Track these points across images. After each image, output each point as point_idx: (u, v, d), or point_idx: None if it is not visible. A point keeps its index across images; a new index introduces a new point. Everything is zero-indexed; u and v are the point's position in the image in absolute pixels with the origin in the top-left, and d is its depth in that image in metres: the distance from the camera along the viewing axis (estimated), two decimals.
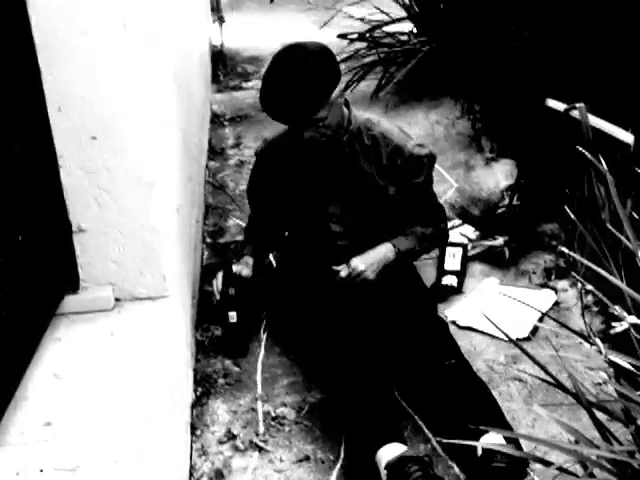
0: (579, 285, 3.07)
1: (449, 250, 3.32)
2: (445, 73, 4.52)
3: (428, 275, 3.22)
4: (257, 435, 2.55)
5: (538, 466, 2.32)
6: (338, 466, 2.43)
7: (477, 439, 2.30)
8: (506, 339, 2.82)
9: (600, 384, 2.62)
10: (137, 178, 2.30)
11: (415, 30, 4.88)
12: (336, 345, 2.60)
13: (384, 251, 2.85)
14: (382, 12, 5.01)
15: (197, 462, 2.45)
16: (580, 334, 2.24)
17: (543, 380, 2.08)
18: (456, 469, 2.40)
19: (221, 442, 2.53)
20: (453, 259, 3.30)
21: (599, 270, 1.98)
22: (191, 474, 2.40)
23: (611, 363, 2.46)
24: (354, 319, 2.72)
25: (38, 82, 2.15)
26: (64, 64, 2.14)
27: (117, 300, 2.40)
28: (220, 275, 2.86)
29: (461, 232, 3.50)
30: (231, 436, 2.54)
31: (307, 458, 2.46)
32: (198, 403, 2.67)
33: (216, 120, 4.67)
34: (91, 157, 2.24)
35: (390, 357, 2.67)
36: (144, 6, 2.37)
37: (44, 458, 1.90)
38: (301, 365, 2.82)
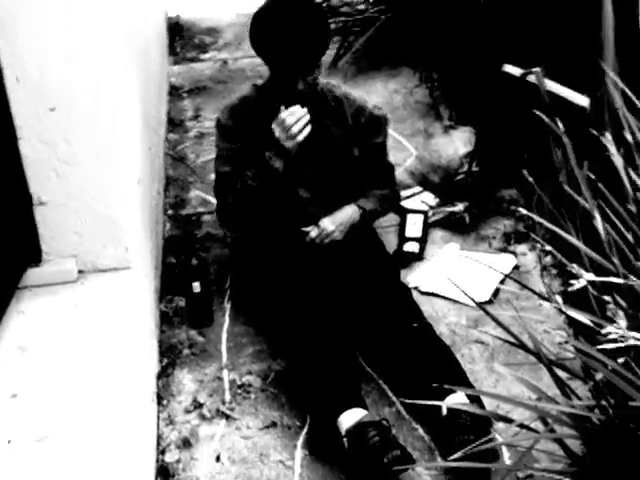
0: (538, 247, 3.12)
1: (410, 217, 3.35)
2: (403, 42, 4.52)
3: (390, 242, 3.24)
4: (223, 403, 2.57)
5: (501, 425, 2.37)
6: (304, 431, 2.46)
7: (442, 400, 2.34)
8: (467, 303, 2.88)
9: (560, 343, 2.67)
10: (97, 149, 2.29)
11: (371, 0, 4.86)
12: (302, 308, 2.62)
13: (350, 212, 2.90)
14: None
15: (164, 431, 2.46)
16: (540, 295, 2.29)
17: (505, 341, 2.12)
18: (420, 430, 2.45)
19: (188, 411, 2.54)
20: (414, 226, 3.33)
21: (557, 230, 2.02)
22: (158, 443, 2.42)
23: (570, 323, 2.53)
24: (321, 283, 2.74)
25: None
26: (21, 34, 2.12)
27: (80, 272, 2.40)
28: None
29: (421, 199, 3.53)
30: (197, 405, 2.56)
31: (274, 424, 2.49)
32: (164, 373, 2.68)
33: (174, 92, 4.63)
34: (50, 128, 2.22)
35: (352, 321, 2.70)
36: None
37: (11, 430, 1.90)
38: (266, 333, 2.84)
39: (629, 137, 2.04)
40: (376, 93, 4.44)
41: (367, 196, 2.98)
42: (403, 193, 3.56)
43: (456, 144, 3.90)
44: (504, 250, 3.23)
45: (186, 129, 4.24)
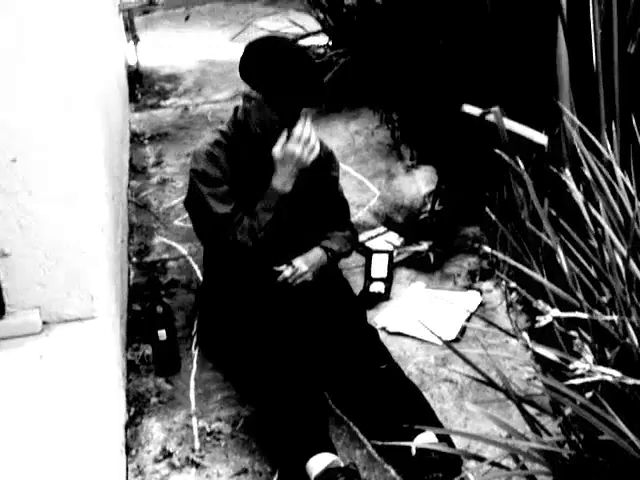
0: (503, 284, 3.14)
1: (375, 257, 3.36)
2: (362, 84, 4.57)
3: (356, 283, 3.25)
4: (193, 451, 2.54)
5: (472, 463, 2.37)
6: (275, 478, 2.44)
7: (411, 440, 2.34)
8: (435, 342, 2.89)
9: (528, 380, 2.68)
10: (60, 199, 2.28)
11: (331, 43, 4.92)
12: (269, 351, 2.61)
13: (320, 254, 2.94)
14: (297, 25, 5.05)
15: None
16: (506, 331, 2.30)
17: (474, 379, 2.12)
18: (392, 472, 2.43)
19: (157, 460, 2.51)
20: (379, 266, 3.34)
21: (521, 267, 2.04)
22: None
23: (537, 359, 2.53)
24: (288, 325, 2.73)
25: None
26: None
27: (45, 323, 2.37)
28: None
29: (386, 239, 3.55)
30: (167, 454, 2.53)
31: (245, 471, 2.46)
32: (132, 423, 2.65)
33: (136, 139, 4.63)
34: (11, 179, 2.21)
35: (321, 364, 2.70)
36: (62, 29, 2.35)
37: None
38: (235, 378, 2.81)
39: (588, 173, 2.07)
40: (338, 135, 4.48)
41: (330, 237, 3.01)
42: (367, 234, 3.59)
43: (418, 184, 3.93)
44: (469, 287, 3.25)
45: (148, 176, 4.24)
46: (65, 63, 2.26)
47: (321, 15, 5.02)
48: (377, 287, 3.25)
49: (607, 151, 2.17)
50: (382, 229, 3.64)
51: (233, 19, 5.99)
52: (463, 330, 2.98)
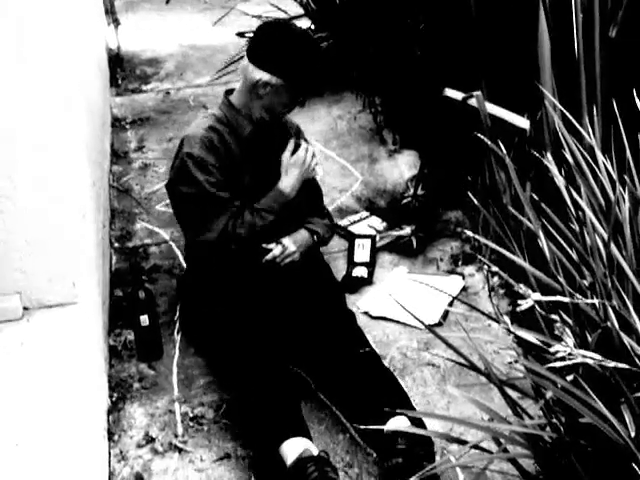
0: (485, 268, 3.15)
1: (358, 242, 3.37)
2: (345, 68, 4.56)
3: (338, 268, 3.25)
4: (176, 436, 2.54)
5: (454, 446, 2.38)
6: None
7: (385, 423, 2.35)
8: (418, 326, 2.90)
9: (510, 363, 2.69)
10: (40, 184, 2.27)
11: (313, 27, 4.90)
12: (247, 335, 2.63)
13: (306, 235, 2.97)
14: (279, 9, 5.02)
15: (116, 467, 2.43)
16: (489, 315, 2.31)
17: (456, 362, 2.13)
18: (375, 456, 2.44)
19: (140, 446, 2.51)
20: (362, 251, 3.34)
21: (503, 251, 2.04)
22: (110, 479, 2.39)
23: (519, 342, 2.55)
24: (268, 308, 2.74)
25: None
26: None
27: (25, 309, 2.36)
28: None
29: (369, 224, 3.55)
30: (150, 439, 2.52)
31: (228, 456, 2.46)
32: (114, 409, 2.64)
33: (117, 124, 4.60)
34: None
35: (300, 349, 2.71)
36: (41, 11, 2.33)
37: None
38: (216, 363, 2.81)
39: (569, 157, 2.08)
40: (320, 120, 4.47)
41: (313, 222, 3.02)
42: (350, 218, 3.59)
43: (401, 168, 3.94)
44: (452, 272, 3.26)
45: (130, 160, 4.22)
46: (45, 46, 2.24)
47: None
48: (360, 272, 3.25)
49: (588, 135, 2.18)
50: (365, 214, 3.64)
51: (215, 3, 5.93)
52: (445, 314, 2.99)
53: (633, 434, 1.63)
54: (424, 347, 2.86)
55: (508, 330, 1.86)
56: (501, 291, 3.08)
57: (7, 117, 2.18)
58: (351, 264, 3.30)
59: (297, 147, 2.87)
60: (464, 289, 3.15)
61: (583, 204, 1.99)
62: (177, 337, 2.98)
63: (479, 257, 3.20)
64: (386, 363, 2.71)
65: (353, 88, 4.63)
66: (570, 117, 2.24)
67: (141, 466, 2.43)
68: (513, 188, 2.85)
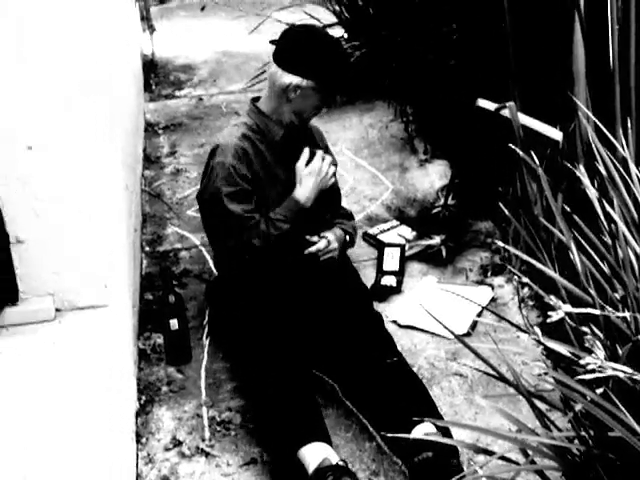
0: (515, 279, 3.14)
1: (387, 251, 3.37)
2: (377, 77, 4.57)
3: (367, 276, 3.25)
4: (203, 440, 2.55)
5: (481, 457, 2.38)
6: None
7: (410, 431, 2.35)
8: (446, 336, 2.89)
9: (538, 375, 2.68)
10: (75, 188, 2.29)
11: (346, 35, 4.92)
12: (273, 340, 2.64)
13: (342, 233, 3.01)
14: (312, 17, 5.04)
15: (143, 470, 2.44)
16: (518, 326, 2.30)
17: (485, 373, 2.13)
18: (401, 464, 2.44)
19: (167, 449, 2.52)
20: (391, 259, 3.34)
21: (534, 262, 2.04)
22: None
23: (548, 355, 2.54)
24: (295, 315, 2.75)
25: None
26: None
27: (58, 310, 2.38)
28: None
29: (398, 233, 3.55)
30: (177, 443, 2.54)
31: (254, 461, 2.47)
32: (142, 411, 2.66)
33: (150, 129, 4.64)
34: (27, 167, 2.22)
35: (327, 355, 2.73)
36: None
37: None
38: (242, 368, 2.82)
39: (602, 169, 2.07)
40: (352, 128, 4.48)
41: (343, 223, 3.07)
42: (380, 227, 3.59)
43: (432, 178, 3.94)
44: (481, 282, 3.25)
45: (162, 165, 4.25)
46: (81, 53, 2.27)
47: (337, 7, 5.02)
48: (389, 280, 3.25)
49: (622, 147, 2.17)
50: (395, 222, 3.65)
51: (249, 10, 5.98)
52: (474, 325, 2.98)
53: None
54: (452, 357, 2.85)
55: (538, 341, 1.86)
56: (530, 303, 3.06)
57: (42, 120, 2.20)
58: (380, 273, 3.30)
59: (313, 155, 2.87)
60: (493, 300, 3.14)
61: (616, 217, 1.98)
62: (206, 342, 3.00)
63: (509, 268, 3.19)
64: None
65: (385, 97, 4.63)
66: (603, 129, 2.23)
67: (168, 469, 2.44)
68: (544, 199, 2.84)
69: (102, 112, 2.51)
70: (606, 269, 2.01)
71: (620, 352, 1.79)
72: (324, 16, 5.05)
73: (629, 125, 2.45)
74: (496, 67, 3.28)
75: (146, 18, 5.72)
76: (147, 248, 3.55)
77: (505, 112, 3.02)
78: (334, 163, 3.09)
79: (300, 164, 2.84)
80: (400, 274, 3.29)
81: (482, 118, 3.26)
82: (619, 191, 2.04)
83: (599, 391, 1.74)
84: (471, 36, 3.63)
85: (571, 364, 1.89)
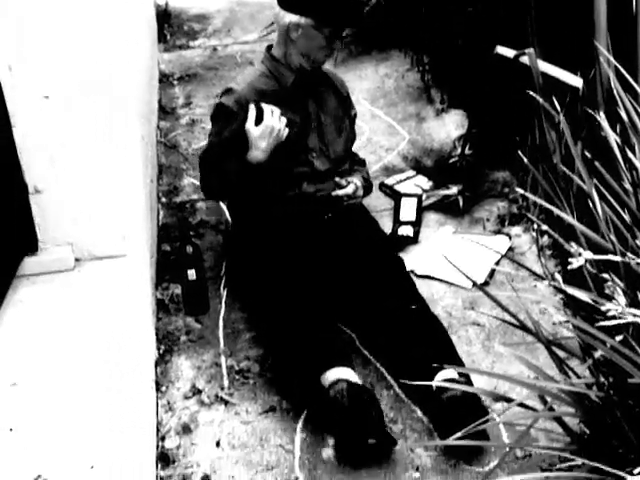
0: (534, 227, 3.12)
1: (404, 201, 3.35)
2: (393, 26, 4.51)
3: (384, 226, 3.24)
4: (222, 389, 2.57)
5: (498, 405, 2.38)
6: (303, 415, 2.47)
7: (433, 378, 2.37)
8: (463, 285, 2.89)
9: (555, 324, 2.68)
10: (92, 138, 2.29)
11: None
12: (292, 285, 2.67)
13: (361, 180, 3.01)
14: None
15: (163, 418, 2.47)
16: (537, 274, 2.30)
17: (503, 321, 2.13)
18: (419, 412, 2.45)
19: (186, 397, 2.54)
20: (408, 210, 3.33)
21: (554, 209, 2.03)
22: (158, 430, 2.42)
23: (566, 303, 2.53)
24: (314, 261, 2.77)
25: None
26: (14, 20, 2.11)
27: (77, 260, 2.40)
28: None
29: (415, 183, 3.53)
30: (196, 391, 2.56)
31: (273, 409, 2.49)
32: (162, 361, 2.68)
33: (165, 79, 4.61)
34: (44, 116, 2.22)
35: (346, 301, 2.75)
36: None
37: (12, 418, 1.90)
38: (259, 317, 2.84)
39: (624, 115, 2.04)
40: (367, 78, 4.44)
41: (360, 171, 3.09)
42: (396, 177, 3.58)
43: (448, 127, 3.91)
44: (498, 232, 3.23)
45: (177, 116, 4.23)
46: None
47: None
48: (405, 230, 3.24)
49: None
50: (411, 172, 3.63)
51: None
52: (492, 274, 2.97)
53: None
54: (469, 306, 2.85)
55: (557, 289, 1.86)
56: (548, 252, 3.05)
57: (62, 68, 2.19)
58: (397, 223, 3.28)
59: (260, 112, 2.79)
60: (510, 249, 3.13)
61: (637, 163, 1.96)
62: (223, 292, 3.01)
63: (528, 216, 3.17)
64: None
65: (401, 46, 4.58)
66: (625, 73, 2.20)
67: (188, 417, 2.47)
68: (564, 147, 2.81)
69: (116, 61, 2.49)
70: (626, 216, 2.00)
71: None
72: None
73: None
74: (515, 13, 3.23)
75: None
76: (163, 199, 3.55)
77: (524, 59, 2.98)
78: (354, 114, 3.07)
79: (249, 125, 2.77)
80: (417, 224, 3.28)
81: (500, 66, 3.22)
82: None
83: (619, 338, 1.74)
84: None
85: (590, 312, 1.89)
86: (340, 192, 2.90)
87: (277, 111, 2.78)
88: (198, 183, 3.60)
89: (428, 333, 2.56)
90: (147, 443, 2.23)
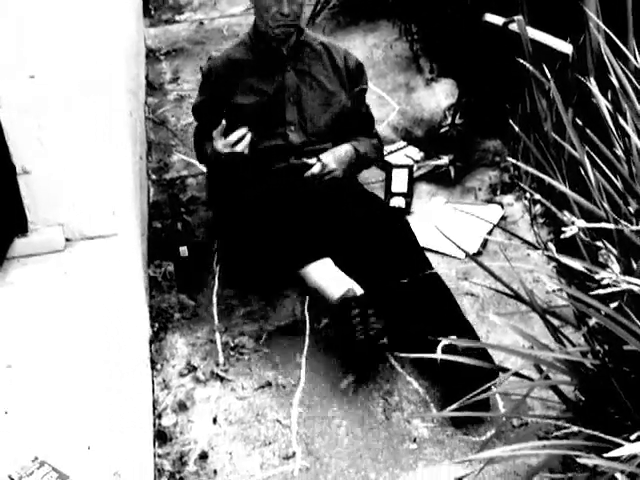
0: (527, 196, 3.11)
1: (395, 172, 3.33)
2: None
3: None
4: (217, 365, 2.57)
5: None
6: (299, 389, 2.47)
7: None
8: (456, 256, 2.89)
9: (550, 292, 2.67)
10: (79, 115, 2.27)
11: None
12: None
13: (348, 149, 2.92)
14: None
15: (160, 396, 2.47)
16: (530, 243, 2.29)
17: (497, 291, 2.13)
18: (415, 384, 2.46)
19: (182, 375, 2.54)
20: (400, 181, 3.31)
21: (546, 178, 2.02)
22: (154, 408, 2.42)
23: (560, 272, 2.53)
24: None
25: None
26: None
27: (68, 240, 2.39)
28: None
29: (406, 154, 3.51)
30: (191, 368, 2.56)
31: (268, 384, 2.49)
32: (156, 338, 2.67)
33: (151, 55, 4.56)
34: (30, 96, 2.19)
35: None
36: None
37: (8, 399, 1.90)
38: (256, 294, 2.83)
39: (614, 81, 2.03)
40: (355, 49, 4.39)
41: (358, 140, 2.98)
42: (387, 148, 3.55)
43: (438, 97, 3.88)
44: (490, 201, 3.22)
45: (165, 92, 4.19)
46: None
47: None
48: (397, 202, 3.22)
49: (635, 57, 2.13)
50: (402, 143, 3.61)
51: None
52: (484, 243, 2.97)
53: None
54: (463, 276, 2.85)
55: (550, 258, 1.86)
56: (541, 221, 3.04)
57: (43, 50, 2.17)
58: (388, 194, 3.27)
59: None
60: (503, 218, 3.12)
61: (629, 129, 1.95)
62: (216, 268, 2.99)
63: (520, 185, 3.16)
64: None
65: (389, 16, 4.54)
66: (615, 39, 2.18)
67: (184, 394, 2.47)
68: (555, 115, 2.80)
69: (100, 39, 2.47)
70: (619, 183, 1.99)
71: (635, 266, 1.78)
72: None
73: None
74: None
75: None
76: (153, 176, 3.53)
77: (513, 26, 2.96)
78: (359, 90, 3.01)
79: (215, 134, 2.79)
80: (409, 195, 3.26)
81: (489, 34, 3.20)
82: (632, 103, 2.01)
83: (613, 305, 1.74)
84: None
85: (584, 280, 1.89)
86: (307, 173, 2.81)
87: (247, 137, 2.76)
88: (188, 159, 3.61)
89: (430, 305, 2.55)
90: (144, 421, 2.23)
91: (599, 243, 1.83)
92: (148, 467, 2.12)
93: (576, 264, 1.81)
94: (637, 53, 2.17)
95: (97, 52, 2.33)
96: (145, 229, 3.05)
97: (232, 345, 2.64)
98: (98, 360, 2.05)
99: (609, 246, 1.88)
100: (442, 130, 3.65)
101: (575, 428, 1.79)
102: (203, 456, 2.28)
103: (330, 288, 2.50)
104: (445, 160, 3.45)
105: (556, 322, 2.06)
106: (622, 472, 1.56)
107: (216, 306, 2.82)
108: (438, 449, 2.25)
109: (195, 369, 2.56)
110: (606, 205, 1.89)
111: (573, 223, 1.75)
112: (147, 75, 4.34)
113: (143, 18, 4.96)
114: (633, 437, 1.60)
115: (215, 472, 2.25)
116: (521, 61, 2.55)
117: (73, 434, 1.84)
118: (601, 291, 1.67)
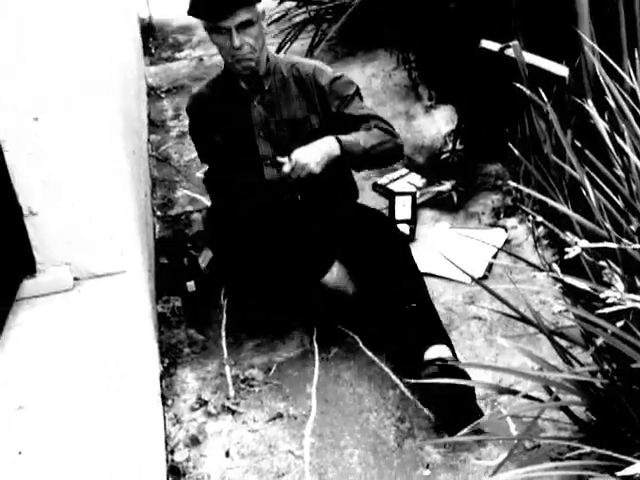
0: (529, 219, 3.13)
1: (398, 200, 3.35)
2: (377, 26, 4.52)
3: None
4: (228, 399, 2.57)
5: (504, 398, 2.39)
6: (311, 419, 2.47)
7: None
8: (462, 280, 2.90)
9: (555, 313, 2.68)
10: (83, 156, 2.29)
11: None
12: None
13: (327, 142, 2.69)
14: None
15: (172, 431, 2.47)
16: (535, 265, 2.30)
17: (504, 314, 2.13)
18: (426, 411, 2.45)
19: (193, 409, 2.55)
20: (403, 208, 3.33)
21: (547, 200, 2.03)
22: (167, 443, 2.43)
23: (565, 292, 2.54)
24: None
25: None
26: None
27: (76, 279, 2.40)
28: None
29: (408, 181, 3.54)
30: (202, 402, 2.57)
31: (280, 416, 2.49)
32: (166, 374, 2.68)
33: (152, 93, 4.62)
34: (35, 138, 2.22)
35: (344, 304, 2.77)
36: None
37: (21, 441, 1.91)
38: (265, 325, 2.84)
39: (611, 102, 2.05)
40: (354, 79, 4.41)
41: (349, 133, 2.79)
42: (389, 176, 3.58)
43: (438, 123, 3.91)
44: (494, 225, 3.24)
45: (167, 129, 4.24)
46: (77, 21, 2.26)
47: None
48: (402, 229, 3.24)
49: (630, 78, 2.15)
50: (404, 171, 3.63)
51: None
52: (490, 267, 2.98)
53: None
54: (469, 301, 2.85)
55: (555, 279, 1.86)
56: (545, 242, 3.06)
57: (47, 93, 2.20)
58: (393, 222, 3.29)
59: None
60: (507, 242, 3.13)
61: (627, 149, 1.96)
62: (224, 302, 3.01)
63: (522, 208, 3.18)
64: None
65: (386, 46, 4.59)
66: (610, 60, 2.21)
67: (196, 429, 2.47)
68: (554, 137, 2.82)
69: (103, 80, 2.50)
70: (620, 202, 2.00)
71: (639, 283, 1.79)
72: None
73: (636, 55, 2.42)
74: (497, 6, 3.24)
75: None
76: (158, 212, 3.56)
77: (509, 52, 2.99)
78: (346, 95, 2.90)
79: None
80: (413, 222, 3.28)
81: (486, 59, 3.23)
82: (629, 123, 2.03)
83: (619, 324, 1.74)
84: None
85: (590, 299, 1.89)
86: (281, 173, 2.68)
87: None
88: (192, 195, 3.64)
89: (414, 315, 2.57)
90: (157, 457, 2.24)
91: (603, 262, 1.85)
92: None
93: (581, 284, 1.82)
94: (632, 74, 2.19)
95: (97, 94, 2.36)
96: (152, 265, 3.07)
97: (242, 378, 2.65)
98: (110, 396, 2.05)
99: (613, 265, 1.89)
100: (443, 156, 3.68)
101: (587, 448, 1.79)
102: None
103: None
104: (447, 186, 3.47)
105: (564, 343, 2.07)
106: None
107: (225, 339, 2.83)
108: (452, 475, 2.24)
109: (206, 403, 2.56)
110: (608, 224, 1.91)
111: (576, 243, 1.77)
112: (149, 113, 4.39)
113: (143, 57, 5.02)
114: None
115: None
116: (518, 85, 2.57)
117: (86, 475, 1.85)
118: (607, 310, 1.68)
